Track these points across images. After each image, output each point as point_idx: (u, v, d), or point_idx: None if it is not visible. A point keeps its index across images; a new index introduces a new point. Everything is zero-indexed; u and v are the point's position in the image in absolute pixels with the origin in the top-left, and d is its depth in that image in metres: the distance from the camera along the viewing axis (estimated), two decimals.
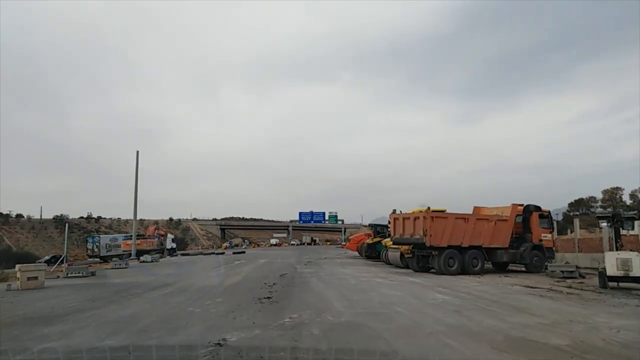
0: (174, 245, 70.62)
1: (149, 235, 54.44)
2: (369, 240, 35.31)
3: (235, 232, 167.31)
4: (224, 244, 76.07)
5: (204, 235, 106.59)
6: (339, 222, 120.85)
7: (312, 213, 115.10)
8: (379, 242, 32.22)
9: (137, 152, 46.77)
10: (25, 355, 5.99)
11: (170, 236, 70.75)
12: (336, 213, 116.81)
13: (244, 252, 53.83)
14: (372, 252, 33.69)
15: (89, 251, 56.78)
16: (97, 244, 56.20)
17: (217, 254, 52.72)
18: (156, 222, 59.38)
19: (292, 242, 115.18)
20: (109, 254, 53.65)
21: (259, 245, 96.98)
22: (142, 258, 39.90)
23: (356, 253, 41.11)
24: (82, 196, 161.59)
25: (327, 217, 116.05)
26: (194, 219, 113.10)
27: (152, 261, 38.64)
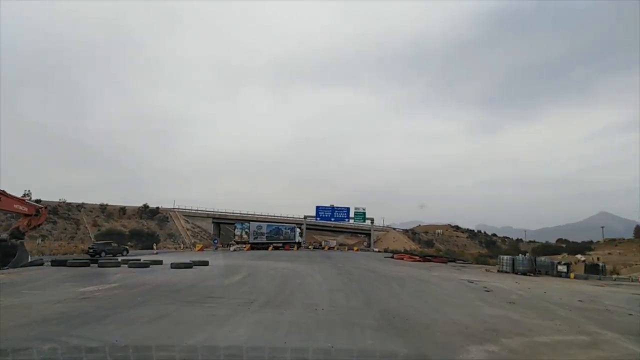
0: (301, 240, 67.85)
1: None
2: None
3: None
4: (198, 244, 43.70)
5: (189, 229, 73.91)
6: (367, 222, 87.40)
7: (332, 208, 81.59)
8: None
9: None
10: (25, 355, 4.85)
11: (297, 230, 65.65)
12: (364, 210, 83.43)
13: (204, 265, 21.20)
14: None
15: (236, 237, 54.75)
16: (246, 230, 53.75)
17: (141, 265, 20.20)
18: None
19: (330, 245, 79.76)
20: (255, 241, 52.86)
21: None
22: None
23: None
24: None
25: (352, 215, 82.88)
26: (178, 209, 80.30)
27: None
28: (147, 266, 21.07)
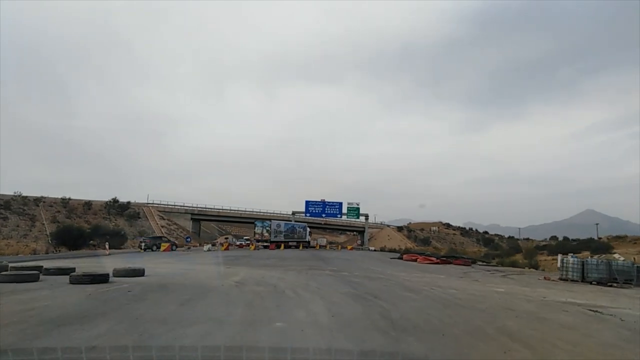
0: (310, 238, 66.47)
1: None
2: None
3: (223, 227, 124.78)
4: (164, 244, 35.52)
5: (163, 227, 64.98)
6: (361, 218, 79.28)
7: (324, 203, 73.24)
8: None
9: None
10: (25, 355, 4.47)
11: (308, 229, 65.14)
12: (358, 205, 75.29)
13: (135, 275, 12.78)
14: None
15: (257, 235, 52.84)
16: (267, 228, 51.99)
17: (24, 277, 11.45)
18: None
19: (322, 244, 71.88)
20: (276, 239, 51.64)
21: (241, 246, 55.11)
22: None
23: None
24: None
25: (344, 210, 74.66)
26: (152, 204, 71.13)
27: None
28: (36, 279, 12.62)
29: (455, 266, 27.43)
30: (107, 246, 34.14)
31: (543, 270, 28.98)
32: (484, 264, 32.67)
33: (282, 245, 52.15)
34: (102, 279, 12.11)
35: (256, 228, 54.47)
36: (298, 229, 61.24)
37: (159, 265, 20.39)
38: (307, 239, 62.90)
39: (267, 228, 52.62)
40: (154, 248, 37.89)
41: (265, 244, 50.27)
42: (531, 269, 30.27)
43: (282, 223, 57.85)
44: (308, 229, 65.38)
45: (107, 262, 23.41)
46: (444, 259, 30.72)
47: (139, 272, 14.12)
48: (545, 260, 40.73)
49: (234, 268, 18.41)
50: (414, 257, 31.47)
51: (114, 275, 13.70)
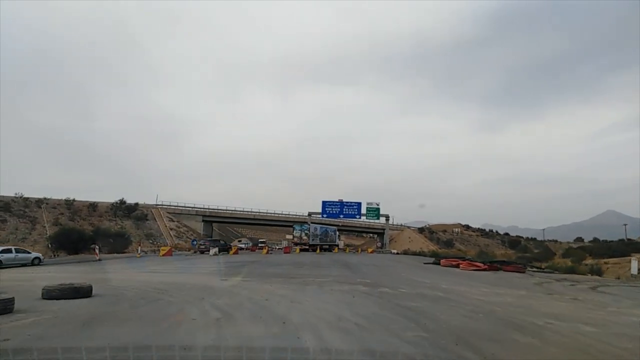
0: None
1: None
2: None
3: (237, 230, 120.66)
4: (164, 248, 31.07)
5: (172, 229, 60.71)
6: (382, 219, 73.74)
7: (341, 203, 67.92)
8: None
9: None
10: (25, 355, 4.42)
11: (337, 232, 64.00)
12: (378, 205, 69.85)
13: (79, 294, 7.88)
14: None
15: (295, 238, 52.35)
16: (306, 232, 50.94)
17: None
18: None
19: (340, 247, 67.22)
20: (313, 242, 50.61)
21: (253, 249, 50.36)
22: None
23: None
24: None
25: (363, 211, 69.28)
26: (162, 206, 66.89)
27: None
28: None
29: (510, 274, 22.10)
30: (96, 250, 29.67)
31: (618, 278, 23.43)
32: (536, 270, 27.16)
33: (298, 249, 47.62)
34: (2, 307, 7.33)
35: (295, 231, 53.82)
36: (330, 232, 59.77)
37: (139, 276, 15.71)
38: (336, 242, 61.88)
39: (306, 231, 51.80)
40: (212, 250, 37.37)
41: (305, 247, 49.48)
42: (594, 276, 24.78)
43: (318, 227, 57.15)
44: (337, 233, 63.93)
45: (86, 270, 18.98)
46: (490, 264, 25.32)
47: (82, 292, 9.31)
48: (598, 263, 35.01)
49: (232, 280, 13.53)
50: (454, 263, 26.10)
51: (44, 297, 8.98)
